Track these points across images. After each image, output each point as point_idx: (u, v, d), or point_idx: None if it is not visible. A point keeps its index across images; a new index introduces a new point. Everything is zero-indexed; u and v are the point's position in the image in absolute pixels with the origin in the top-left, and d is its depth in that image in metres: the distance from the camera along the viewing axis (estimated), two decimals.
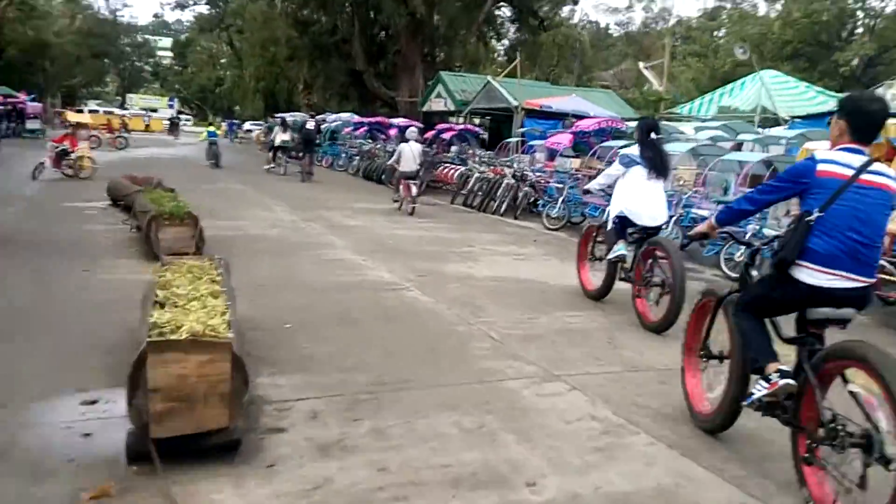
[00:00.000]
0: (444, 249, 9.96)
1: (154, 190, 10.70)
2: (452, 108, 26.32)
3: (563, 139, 15.57)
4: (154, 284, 4.52)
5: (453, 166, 19.08)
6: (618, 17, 38.43)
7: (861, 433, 3.11)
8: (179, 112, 67.21)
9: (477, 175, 16.30)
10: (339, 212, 13.51)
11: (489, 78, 23.19)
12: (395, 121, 24.46)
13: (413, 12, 28.92)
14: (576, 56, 36.54)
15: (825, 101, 16.09)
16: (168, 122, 51.81)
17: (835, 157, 3.55)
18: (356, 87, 36.94)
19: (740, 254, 7.96)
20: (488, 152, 21.34)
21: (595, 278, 7.51)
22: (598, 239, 7.61)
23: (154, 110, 66.59)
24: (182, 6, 52.54)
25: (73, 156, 16.44)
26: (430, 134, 24.45)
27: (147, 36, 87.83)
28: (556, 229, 13.11)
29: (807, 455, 3.39)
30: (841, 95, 16.56)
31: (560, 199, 13.25)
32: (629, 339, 6.09)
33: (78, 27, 68.09)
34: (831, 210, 3.44)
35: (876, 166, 3.53)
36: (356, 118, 26.46)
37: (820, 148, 5.90)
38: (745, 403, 3.81)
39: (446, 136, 23.51)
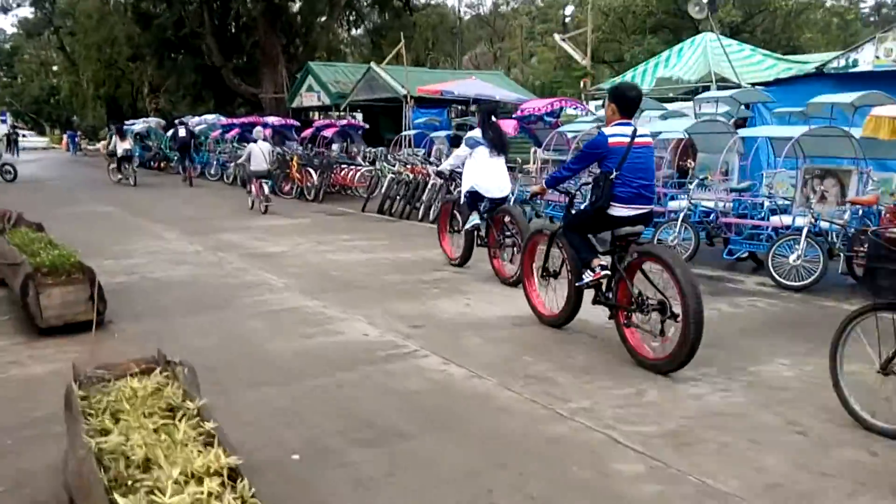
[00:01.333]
0: (410, 278, 7.78)
1: (16, 230, 8.06)
2: (328, 101, 23.98)
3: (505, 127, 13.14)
4: (87, 453, 2.40)
5: (353, 167, 16.76)
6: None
7: (657, 301, 4.73)
8: (14, 126, 59.67)
9: (391, 177, 13.72)
10: (243, 232, 11.16)
11: (372, 65, 21.06)
12: (270, 120, 21.86)
13: None
14: (457, 38, 34.82)
15: (775, 64, 14.92)
16: (3, 139, 45.25)
17: (616, 131, 4.99)
18: (211, 86, 33.57)
19: (795, 257, 7.54)
20: (379, 148, 19.41)
21: (456, 247, 8.47)
22: (455, 212, 8.50)
23: None
24: (4, 10, 46.13)
25: None
26: (307, 132, 22.10)
27: None
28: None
29: (625, 322, 4.99)
30: (789, 58, 15.13)
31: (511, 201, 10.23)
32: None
33: None
34: (623, 167, 4.91)
35: (640, 130, 5.05)
36: (223, 120, 23.51)
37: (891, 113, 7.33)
38: (578, 284, 5.34)
39: (328, 133, 21.25)
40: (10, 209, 11.39)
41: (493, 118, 8.04)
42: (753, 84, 13.32)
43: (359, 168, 16.54)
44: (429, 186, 12.43)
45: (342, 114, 24.08)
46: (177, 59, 32.84)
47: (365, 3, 32.87)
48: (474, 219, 7.79)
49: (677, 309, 4.56)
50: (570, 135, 11.89)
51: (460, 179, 8.25)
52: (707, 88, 13.95)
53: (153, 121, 29.37)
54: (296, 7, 29.31)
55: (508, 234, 7.54)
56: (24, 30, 55.07)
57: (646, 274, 4.98)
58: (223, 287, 7.26)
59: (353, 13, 32.85)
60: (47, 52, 62.91)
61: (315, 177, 15.60)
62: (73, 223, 12.23)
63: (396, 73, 20.66)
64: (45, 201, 15.96)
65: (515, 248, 7.32)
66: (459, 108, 22.79)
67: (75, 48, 47.80)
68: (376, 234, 11.17)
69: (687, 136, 10.77)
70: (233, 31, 31.74)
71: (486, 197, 7.76)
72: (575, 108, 12.28)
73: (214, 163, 21.98)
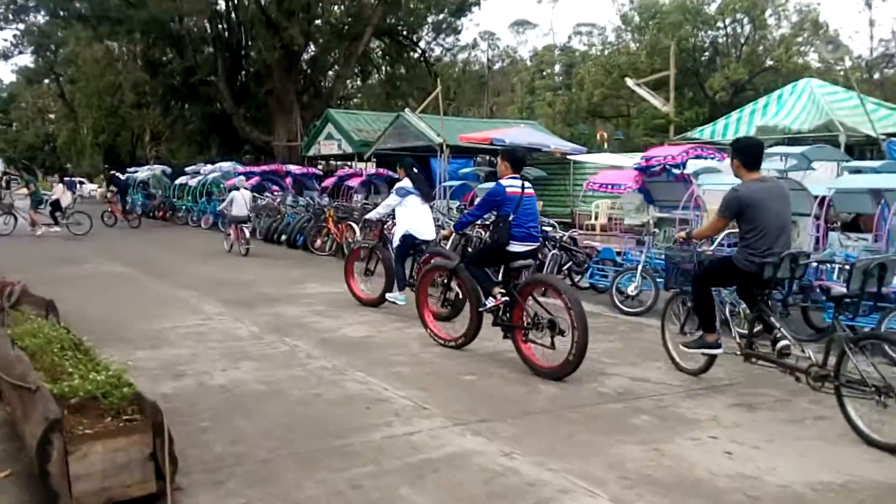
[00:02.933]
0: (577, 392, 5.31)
1: (20, 314, 5.66)
2: (350, 150, 21.76)
3: (621, 179, 9.99)
4: None
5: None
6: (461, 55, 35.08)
7: (548, 320, 5.45)
8: (6, 173, 56.63)
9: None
10: (299, 304, 8.71)
11: (407, 112, 18.92)
12: (291, 168, 19.57)
13: (288, 44, 24.01)
14: (485, 86, 32.98)
15: (890, 114, 13.02)
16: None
17: (511, 183, 5.91)
18: (217, 133, 31.32)
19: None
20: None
21: (367, 289, 8.58)
22: (363, 258, 8.69)
23: None
24: (6, 56, 43.74)
25: None
26: (329, 182, 19.87)
27: None
28: (635, 313, 8.01)
29: (522, 339, 5.70)
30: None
31: (639, 269, 8.01)
32: None
33: None
34: (518, 212, 5.82)
35: (527, 184, 6.02)
36: (240, 168, 21.11)
37: None
38: (482, 309, 6.03)
39: (353, 182, 19.00)
40: (5, 270, 9.03)
41: (416, 170, 8.48)
42: (889, 135, 11.34)
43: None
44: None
45: (368, 163, 21.85)
46: (183, 107, 30.59)
47: (378, 53, 30.98)
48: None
49: (565, 326, 5.28)
50: (706, 188, 9.35)
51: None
52: (823, 140, 11.90)
53: (158, 168, 26.92)
54: (310, 55, 27.24)
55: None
56: (24, 77, 52.62)
57: (536, 299, 5.73)
58: (323, 406, 4.81)
59: (369, 63, 30.93)
60: (45, 100, 60.49)
61: (358, 232, 13.21)
62: (80, 288, 9.78)
63: (430, 122, 18.55)
64: (43, 257, 13.43)
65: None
66: (489, 157, 20.79)
67: (75, 96, 45.49)
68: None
69: (831, 193, 8.64)
70: (243, 78, 29.65)
71: (419, 239, 8.08)
72: (713, 158, 9.88)
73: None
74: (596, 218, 14.40)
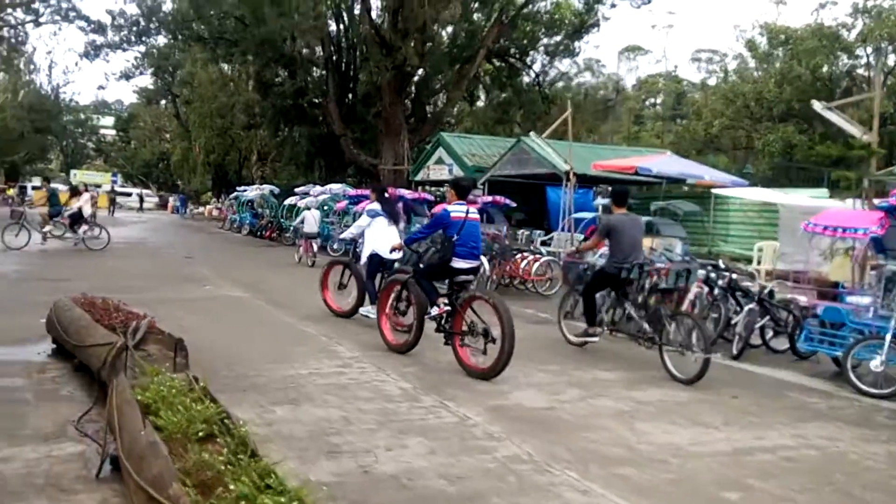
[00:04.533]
0: None
1: (151, 359, 4.60)
2: (462, 175, 20.57)
3: (857, 221, 7.37)
4: None
5: (531, 255, 12.76)
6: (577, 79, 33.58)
7: (482, 328, 6.20)
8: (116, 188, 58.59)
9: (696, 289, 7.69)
10: (447, 353, 7.44)
11: (532, 137, 17.58)
12: (403, 192, 18.55)
13: (400, 65, 23.20)
14: (614, 109, 31.40)
15: None
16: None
17: (455, 209, 6.66)
18: (323, 154, 30.97)
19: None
20: (536, 232, 15.84)
21: (341, 302, 9.10)
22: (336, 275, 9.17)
23: (98, 186, 58.60)
24: (127, 76, 45.37)
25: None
26: (439, 208, 18.64)
27: (89, 114, 79.65)
28: (884, 395, 6.12)
29: (460, 343, 6.44)
30: None
31: (888, 338, 5.98)
32: None
33: (20, 102, 59.93)
34: (461, 234, 6.55)
35: (471, 209, 6.77)
36: (350, 190, 20.27)
37: None
38: (427, 315, 6.73)
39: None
40: (117, 289, 8.18)
41: (386, 194, 9.34)
42: None
43: (537, 256, 12.76)
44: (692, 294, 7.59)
45: (482, 189, 20.55)
46: (291, 128, 30.41)
47: (488, 77, 29.87)
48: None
49: (496, 333, 6.08)
50: None
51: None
52: None
53: (266, 188, 26.60)
54: (420, 77, 26.38)
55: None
56: (144, 97, 54.71)
57: (474, 310, 6.40)
58: None
59: (478, 86, 29.87)
60: (162, 119, 62.86)
61: (487, 267, 11.85)
62: (201, 313, 8.85)
63: (560, 148, 17.14)
64: (160, 276, 12.75)
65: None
66: (607, 188, 19.16)
67: (190, 116, 46.71)
68: (645, 370, 6.89)
69: None
70: (350, 100, 29.17)
71: (386, 258, 8.37)
72: None
73: (338, 238, 18.54)
74: (759, 263, 12.49)
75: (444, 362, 6.79)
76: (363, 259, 8.66)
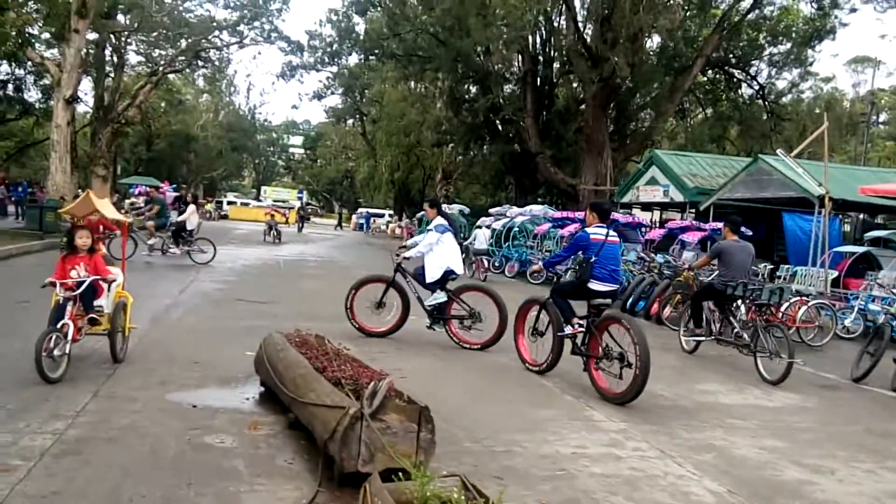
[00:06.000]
0: None
1: (393, 438, 3.40)
2: (681, 198, 18.48)
3: None
4: None
5: (798, 298, 10.63)
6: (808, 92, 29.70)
7: (618, 352, 6.25)
8: (307, 204, 61.92)
9: None
10: (743, 434, 5.65)
11: (778, 154, 15.21)
12: (618, 217, 16.82)
13: (607, 78, 21.54)
14: (852, 125, 27.92)
15: None
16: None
17: (595, 231, 6.85)
18: (514, 173, 29.96)
19: None
20: (785, 268, 13.47)
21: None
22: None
23: (285, 202, 62.54)
24: (319, 96, 47.80)
25: None
26: (655, 234, 16.73)
27: (280, 133, 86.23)
28: None
29: (595, 367, 6.52)
30: None
31: None
32: None
33: (220, 122, 65.82)
34: (599, 256, 6.70)
35: (611, 232, 6.90)
36: (553, 213, 18.88)
37: None
38: (560, 334, 6.88)
39: (690, 237, 15.67)
40: (327, 323, 7.26)
41: (445, 209, 9.37)
42: None
43: (803, 299, 10.55)
44: None
45: (692, 214, 18.36)
46: (482, 145, 29.80)
47: (704, 90, 27.33)
48: (441, 296, 8.28)
49: (632, 359, 6.09)
50: None
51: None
52: None
53: (455, 207, 25.99)
54: (626, 89, 24.50)
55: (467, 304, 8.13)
56: (333, 116, 57.50)
57: (610, 333, 6.47)
58: None
59: (692, 99, 27.46)
60: (348, 138, 65.92)
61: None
62: (413, 353, 7.74)
63: (814, 170, 14.61)
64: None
65: (474, 319, 8.13)
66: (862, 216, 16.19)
67: (376, 134, 48.17)
68: None
69: None
70: (545, 116, 27.94)
71: (456, 273, 8.34)
72: None
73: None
74: None
75: (744, 446, 5.09)
76: (434, 276, 8.31)
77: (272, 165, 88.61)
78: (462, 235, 24.54)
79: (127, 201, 33.05)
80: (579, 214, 17.94)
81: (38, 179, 37.60)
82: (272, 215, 27.83)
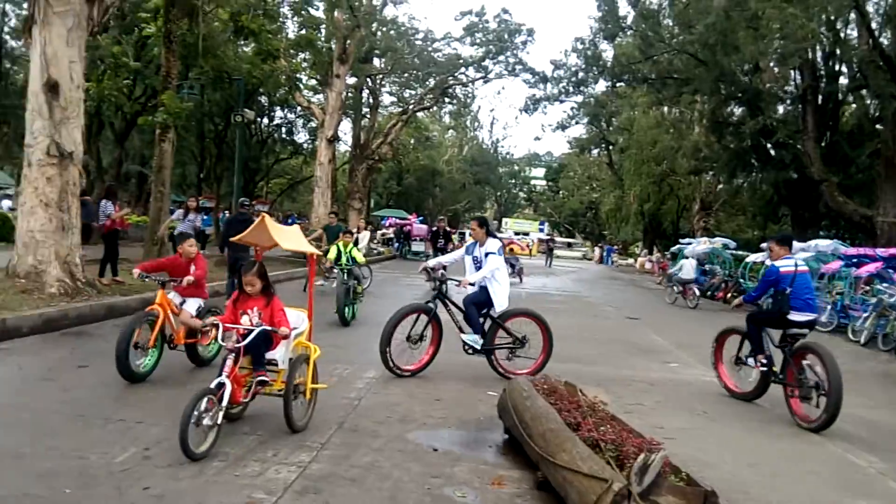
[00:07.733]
0: None
1: None
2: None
3: None
4: None
5: None
6: None
7: (813, 381, 6.67)
8: (551, 237, 62.06)
9: None
10: None
11: None
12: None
13: None
14: None
15: None
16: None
17: (784, 263, 7.22)
18: (790, 202, 27.13)
19: None
20: None
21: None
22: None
23: (526, 233, 63.25)
24: (563, 127, 47.81)
25: None
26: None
27: (522, 166, 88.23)
28: None
29: (790, 394, 6.93)
30: None
31: None
32: None
33: (464, 156, 68.97)
34: (794, 287, 7.05)
35: (800, 261, 7.42)
36: (847, 249, 16.51)
37: None
38: (757, 367, 7.40)
39: None
40: (573, 364, 6.67)
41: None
42: None
43: None
44: None
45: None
46: (749, 172, 27.49)
47: None
48: (478, 342, 7.61)
49: (826, 386, 6.41)
50: None
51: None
52: None
53: (719, 240, 24.05)
54: None
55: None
56: (577, 146, 57.22)
57: (806, 362, 6.84)
58: None
59: None
60: (592, 168, 65.20)
61: None
62: (675, 407, 6.92)
63: None
64: (607, 342, 11.25)
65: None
66: None
67: (623, 163, 46.92)
68: None
69: None
70: (828, 138, 24.98)
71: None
72: None
73: (829, 308, 14.95)
74: None
75: None
76: (504, 303, 7.77)
77: (513, 197, 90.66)
78: (727, 273, 22.73)
79: (378, 232, 35.54)
80: (880, 251, 15.43)
81: (306, 213, 41.93)
82: (511, 249, 24.92)
